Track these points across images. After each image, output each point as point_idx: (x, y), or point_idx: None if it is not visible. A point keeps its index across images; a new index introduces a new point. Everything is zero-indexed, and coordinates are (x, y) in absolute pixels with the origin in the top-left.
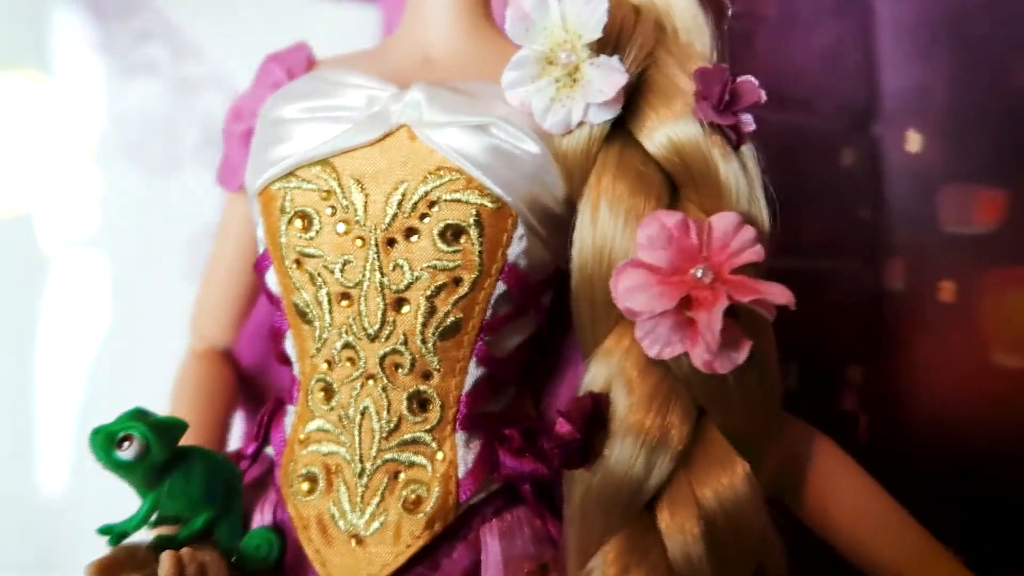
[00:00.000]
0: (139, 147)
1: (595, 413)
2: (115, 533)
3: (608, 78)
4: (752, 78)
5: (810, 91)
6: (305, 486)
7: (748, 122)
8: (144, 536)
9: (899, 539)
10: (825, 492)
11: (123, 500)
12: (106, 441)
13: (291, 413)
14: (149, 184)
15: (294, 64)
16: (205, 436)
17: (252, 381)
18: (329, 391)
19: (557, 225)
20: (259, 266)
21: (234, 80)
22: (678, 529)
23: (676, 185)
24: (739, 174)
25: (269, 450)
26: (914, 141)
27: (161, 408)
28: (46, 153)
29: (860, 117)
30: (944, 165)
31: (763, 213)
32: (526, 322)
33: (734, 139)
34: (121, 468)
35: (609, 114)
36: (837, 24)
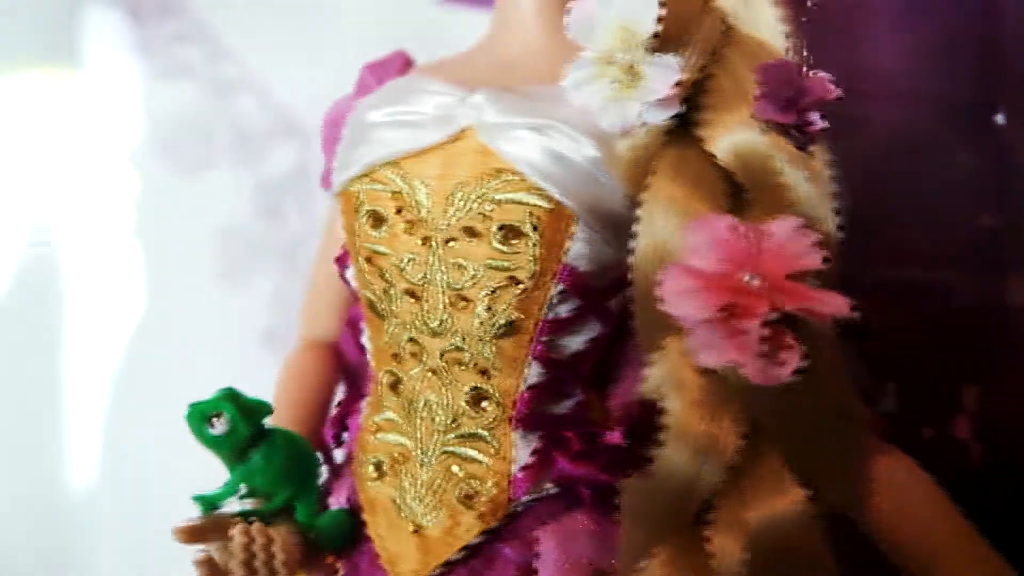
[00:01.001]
0: (173, 147)
1: (643, 419)
2: (206, 502)
3: (663, 77)
4: (823, 73)
5: (921, 85)
6: (373, 472)
7: (815, 121)
8: (232, 508)
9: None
10: (897, 516)
11: (145, 498)
12: (199, 417)
13: (365, 402)
14: (183, 183)
15: (386, 72)
16: (301, 421)
17: (357, 373)
18: (397, 383)
19: (620, 227)
20: (340, 262)
21: (267, 82)
22: (724, 551)
23: (741, 189)
24: (804, 177)
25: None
26: None
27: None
28: (82, 152)
29: (980, 113)
30: None
31: (831, 218)
32: (589, 325)
33: (800, 139)
34: (211, 442)
35: (666, 114)
36: (951, 9)
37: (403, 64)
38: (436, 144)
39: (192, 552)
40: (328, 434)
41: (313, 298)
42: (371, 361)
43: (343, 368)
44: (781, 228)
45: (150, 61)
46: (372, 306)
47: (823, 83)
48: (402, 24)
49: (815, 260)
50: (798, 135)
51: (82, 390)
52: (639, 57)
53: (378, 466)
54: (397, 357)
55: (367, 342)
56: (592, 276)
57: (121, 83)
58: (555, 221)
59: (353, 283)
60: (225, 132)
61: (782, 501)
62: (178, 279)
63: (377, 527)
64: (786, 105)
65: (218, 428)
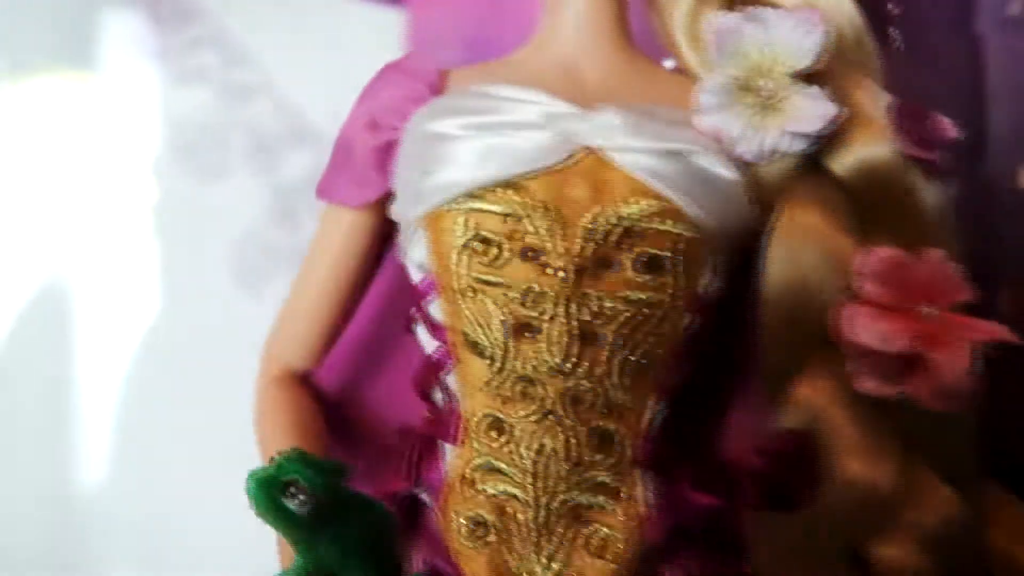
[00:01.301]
0: (190, 153)
1: (799, 453)
2: None
3: (816, 109)
4: (944, 117)
5: None
6: (470, 530)
7: (939, 157)
8: None
9: None
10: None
11: (156, 499)
12: (270, 488)
13: (450, 451)
14: (199, 189)
15: (428, 75)
16: None
17: (335, 409)
18: (501, 428)
19: (738, 254)
20: (420, 294)
21: (284, 88)
22: (903, 559)
23: (861, 215)
24: (933, 207)
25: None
26: None
27: (208, 412)
28: (98, 156)
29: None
30: None
31: (950, 245)
32: (707, 358)
33: (925, 171)
34: (284, 518)
35: (806, 143)
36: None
37: (437, 72)
38: (558, 164)
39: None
40: (397, 489)
41: (295, 324)
42: (462, 405)
43: (324, 405)
44: (933, 260)
45: (167, 66)
46: (471, 344)
47: (949, 125)
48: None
49: (968, 292)
50: (924, 167)
51: (96, 394)
52: (784, 85)
53: (479, 523)
54: (504, 399)
55: (455, 384)
56: (715, 307)
57: (138, 88)
58: (697, 249)
59: (441, 318)
60: (242, 138)
61: (944, 505)
62: (194, 285)
63: None
64: (922, 142)
65: (297, 501)
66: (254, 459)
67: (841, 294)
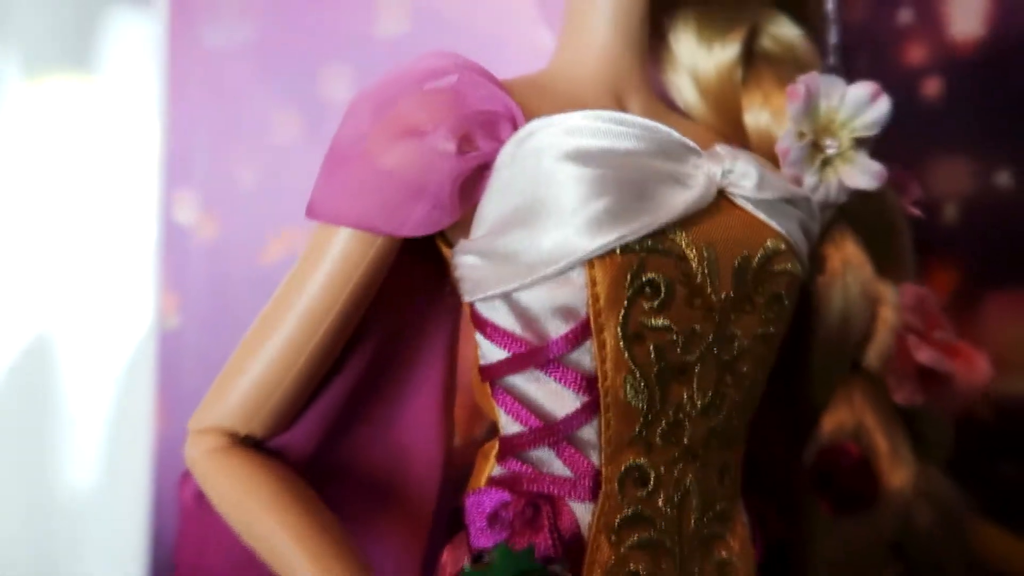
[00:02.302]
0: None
1: (861, 459)
2: None
3: (871, 167)
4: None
5: None
6: None
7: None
8: None
9: None
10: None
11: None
12: None
13: (578, 509)
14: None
15: (496, 92)
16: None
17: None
18: (645, 476)
19: None
20: (566, 343)
21: None
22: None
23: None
24: (908, 241)
25: None
26: None
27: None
28: (101, 158)
29: None
30: None
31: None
32: None
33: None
34: None
35: (847, 195)
36: None
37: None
38: (710, 206)
39: None
40: (548, 553)
41: (269, 373)
42: (597, 458)
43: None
44: (927, 293)
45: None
46: (625, 393)
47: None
48: None
49: (946, 321)
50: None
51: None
52: (848, 147)
53: None
54: (648, 446)
55: (592, 436)
56: None
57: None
58: (797, 288)
59: (587, 367)
60: None
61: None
62: None
63: None
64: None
65: None
66: None
67: (874, 322)
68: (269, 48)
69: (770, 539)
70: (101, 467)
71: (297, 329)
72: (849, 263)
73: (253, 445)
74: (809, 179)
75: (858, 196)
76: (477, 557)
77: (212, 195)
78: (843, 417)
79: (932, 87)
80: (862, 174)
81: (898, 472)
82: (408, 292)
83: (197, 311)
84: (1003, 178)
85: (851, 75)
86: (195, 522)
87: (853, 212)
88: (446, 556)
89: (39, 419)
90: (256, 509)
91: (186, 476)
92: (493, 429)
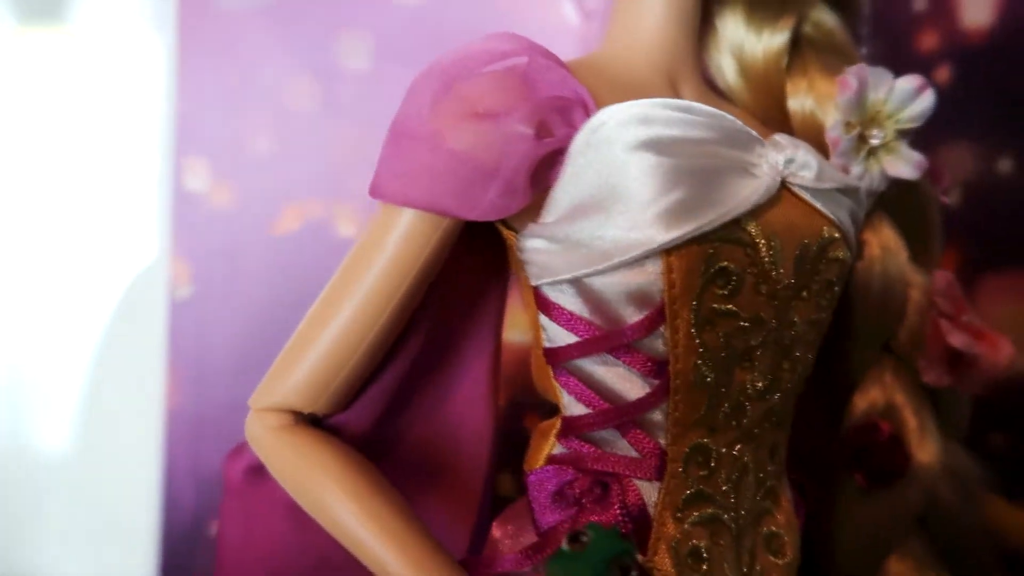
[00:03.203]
0: None
1: (892, 435)
2: None
3: (912, 158)
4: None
5: None
6: (692, 566)
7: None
8: None
9: None
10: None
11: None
12: (607, 567)
13: (644, 487)
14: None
15: (567, 77)
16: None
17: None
18: (707, 455)
19: None
20: (640, 329)
21: None
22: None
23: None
24: (937, 222)
25: None
26: None
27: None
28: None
29: None
30: None
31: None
32: None
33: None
34: None
35: (887, 183)
36: None
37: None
38: (775, 195)
39: None
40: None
41: (334, 352)
42: (664, 438)
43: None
44: (952, 279)
45: None
46: (696, 377)
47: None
48: None
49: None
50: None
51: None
52: (892, 138)
53: (695, 554)
54: (711, 428)
55: (662, 418)
56: None
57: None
58: (847, 275)
59: (660, 352)
60: None
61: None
62: None
63: None
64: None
65: None
66: None
67: (907, 305)
68: (285, 12)
69: (809, 509)
70: (112, 439)
71: (363, 309)
72: (887, 249)
73: (313, 422)
74: (855, 168)
75: (895, 185)
76: (572, 538)
77: (224, 162)
78: (875, 396)
79: (942, 74)
80: (905, 164)
81: (925, 448)
82: (462, 273)
83: (208, 280)
84: (1005, 165)
85: (869, 62)
86: (242, 499)
87: (890, 200)
88: (497, 532)
89: (48, 390)
90: (326, 482)
91: (233, 454)
92: (535, 401)
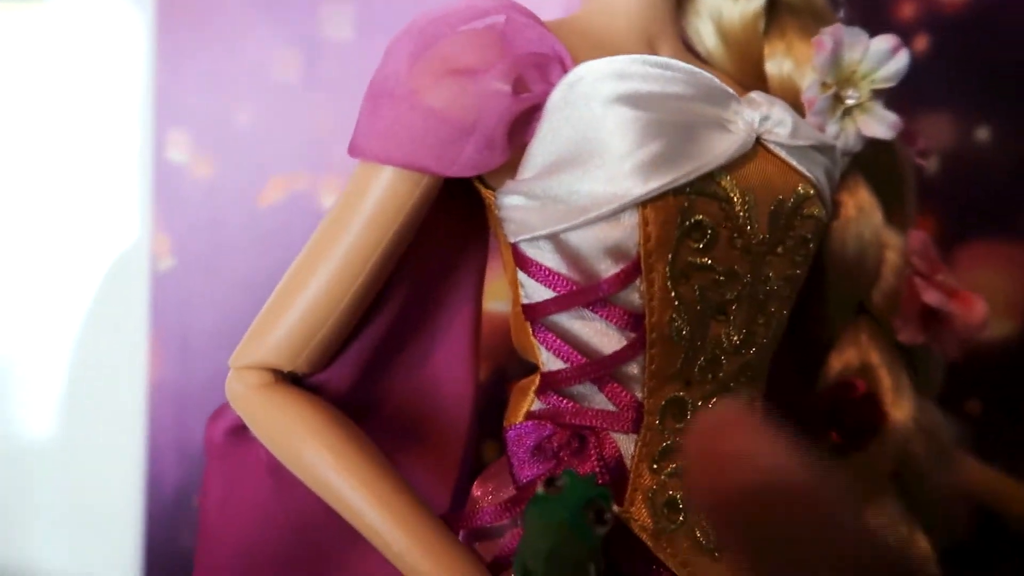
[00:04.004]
0: None
1: (868, 394)
2: None
3: (887, 119)
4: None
5: None
6: (670, 516)
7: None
8: None
9: None
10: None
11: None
12: (581, 509)
13: (620, 440)
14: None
15: (545, 34)
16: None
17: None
18: (683, 408)
19: None
20: (616, 282)
21: None
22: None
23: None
24: (912, 182)
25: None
26: None
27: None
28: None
29: None
30: None
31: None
32: None
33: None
34: (588, 547)
35: (862, 144)
36: None
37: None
38: (750, 151)
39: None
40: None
41: (314, 309)
42: (640, 392)
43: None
44: (931, 241)
45: None
46: (671, 330)
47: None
48: None
49: (945, 267)
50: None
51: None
52: (867, 98)
53: (672, 505)
54: (687, 381)
55: (638, 371)
56: None
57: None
58: (821, 233)
59: (636, 305)
60: None
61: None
62: None
63: (689, 567)
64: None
65: (603, 528)
66: None
67: (882, 266)
68: None
69: None
70: (95, 412)
71: (343, 267)
72: (863, 210)
73: (294, 382)
74: (831, 128)
75: (870, 146)
76: (548, 482)
77: (206, 134)
78: (850, 356)
79: (920, 43)
80: (879, 124)
81: (900, 406)
82: (442, 235)
83: (191, 253)
84: (982, 133)
85: None
86: (223, 460)
87: (865, 161)
88: (478, 491)
89: (29, 365)
90: (307, 437)
91: (215, 416)
92: (518, 369)
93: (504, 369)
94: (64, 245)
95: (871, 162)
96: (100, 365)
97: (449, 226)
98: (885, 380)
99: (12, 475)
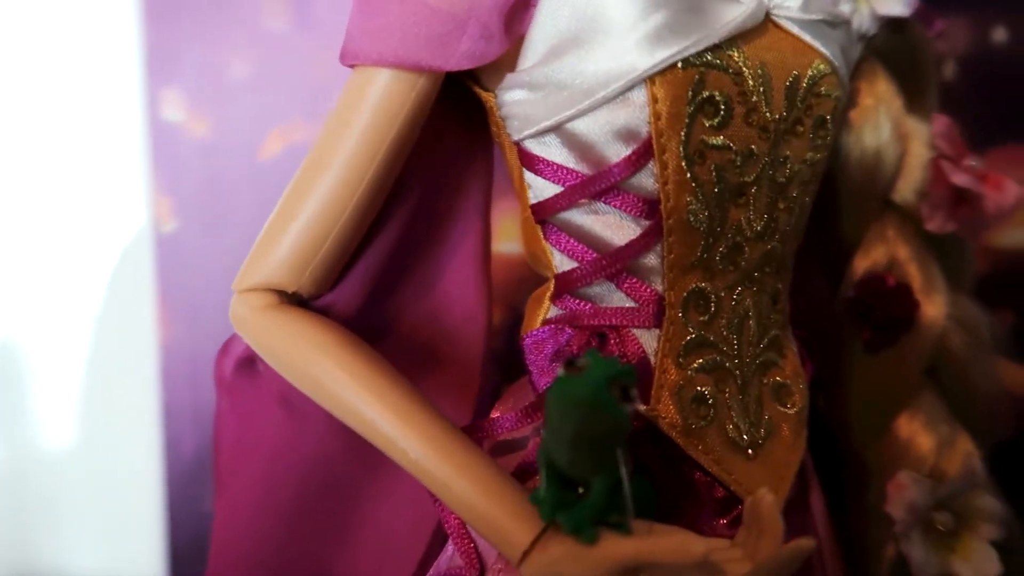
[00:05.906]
0: None
1: (898, 287)
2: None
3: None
4: None
5: None
6: (698, 411)
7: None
8: None
9: None
10: None
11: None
12: (606, 387)
13: (642, 335)
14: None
15: None
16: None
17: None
18: (706, 300)
19: None
20: (627, 166)
21: None
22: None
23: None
24: (934, 69)
25: None
26: None
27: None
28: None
29: None
30: None
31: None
32: None
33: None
34: (615, 426)
35: (877, 26)
36: None
37: None
38: (759, 26)
39: None
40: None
41: (314, 225)
42: (660, 284)
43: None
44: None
45: None
46: (688, 215)
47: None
48: None
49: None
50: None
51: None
52: None
53: (700, 400)
54: (708, 270)
55: (655, 262)
56: None
57: None
58: (841, 115)
59: (650, 190)
60: None
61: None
62: None
63: (721, 464)
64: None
65: (631, 405)
66: None
67: (905, 157)
68: None
69: (815, 371)
70: (106, 377)
71: (341, 180)
72: (881, 99)
73: (299, 303)
74: (844, 6)
75: (887, 30)
76: (568, 363)
77: (201, 90)
78: (877, 253)
79: None
80: (895, 1)
81: (932, 300)
82: (443, 147)
83: (193, 214)
84: (999, 34)
85: None
86: (233, 394)
87: (883, 49)
88: (497, 412)
89: (38, 341)
90: (317, 356)
91: (223, 350)
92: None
93: (520, 313)
94: (66, 216)
95: (888, 49)
96: (110, 332)
97: (451, 141)
98: (915, 274)
99: (30, 454)
